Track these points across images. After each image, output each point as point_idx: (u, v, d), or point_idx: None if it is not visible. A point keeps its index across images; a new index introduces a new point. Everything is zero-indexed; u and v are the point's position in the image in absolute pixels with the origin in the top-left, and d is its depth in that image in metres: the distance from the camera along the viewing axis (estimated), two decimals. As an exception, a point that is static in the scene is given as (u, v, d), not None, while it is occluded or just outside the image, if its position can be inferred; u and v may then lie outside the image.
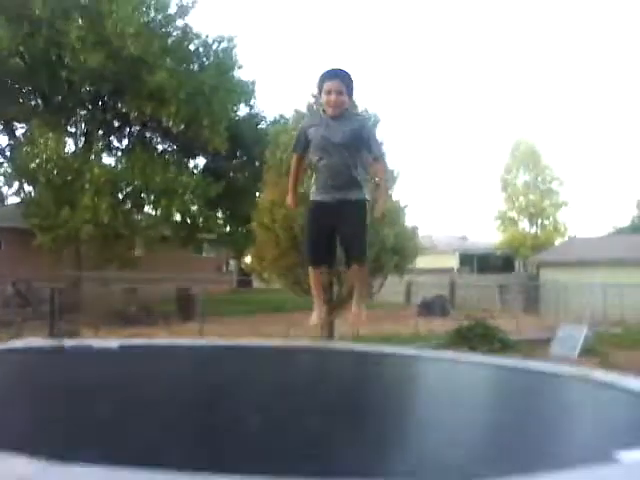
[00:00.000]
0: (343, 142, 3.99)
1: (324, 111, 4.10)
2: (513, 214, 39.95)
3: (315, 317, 4.32)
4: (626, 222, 48.08)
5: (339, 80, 4.02)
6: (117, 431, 3.08)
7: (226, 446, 3.07)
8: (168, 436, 3.17)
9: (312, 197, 4.19)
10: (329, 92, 3.99)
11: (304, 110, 15.60)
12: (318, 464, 2.63)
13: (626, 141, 79.63)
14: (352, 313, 4.25)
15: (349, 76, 4.13)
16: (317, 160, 4.12)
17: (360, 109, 16.16)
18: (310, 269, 4.32)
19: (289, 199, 4.51)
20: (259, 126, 25.86)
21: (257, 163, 23.55)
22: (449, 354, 6.55)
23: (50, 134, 19.23)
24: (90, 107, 22.39)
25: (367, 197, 4.12)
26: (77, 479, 2.05)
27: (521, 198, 39.26)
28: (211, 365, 5.93)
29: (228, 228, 25.97)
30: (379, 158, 4.25)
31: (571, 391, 4.93)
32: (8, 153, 22.54)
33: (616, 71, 70.46)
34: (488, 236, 41.81)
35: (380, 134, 15.67)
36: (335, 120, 4.03)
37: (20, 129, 22.57)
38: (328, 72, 4.06)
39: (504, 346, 13.24)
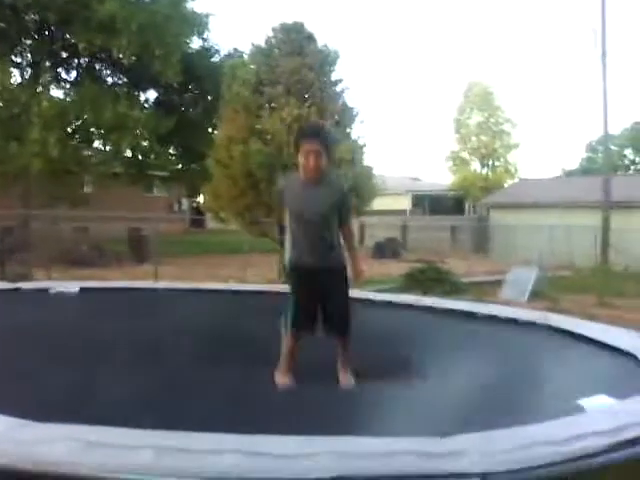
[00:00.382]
0: (323, 212, 3.88)
1: (301, 173, 3.91)
2: (465, 155, 40.32)
3: (280, 377, 4.03)
4: (575, 165, 49.08)
5: (318, 142, 3.83)
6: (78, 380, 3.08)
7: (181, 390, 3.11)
8: (127, 383, 3.19)
9: (292, 260, 4.04)
10: (307, 155, 3.79)
11: (262, 44, 15.21)
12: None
13: (577, 84, 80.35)
14: (340, 380, 4.01)
15: (329, 135, 4.02)
16: (294, 224, 3.97)
17: (319, 44, 15.80)
18: (289, 335, 4.06)
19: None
20: (212, 59, 25.12)
21: (210, 97, 23.08)
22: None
23: (-5, 64, 18.44)
24: (36, 37, 21.43)
25: (345, 264, 4.08)
26: (46, 437, 2.07)
27: (473, 139, 39.57)
28: (169, 309, 5.94)
29: (180, 165, 25.46)
30: (348, 223, 4.14)
31: (530, 338, 5.09)
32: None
33: (569, 11, 70.33)
34: (440, 177, 42.18)
35: (339, 72, 15.44)
36: (313, 185, 3.88)
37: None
38: (306, 131, 3.98)
39: (455, 289, 13.49)
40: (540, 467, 2.09)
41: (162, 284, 8.08)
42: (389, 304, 6.63)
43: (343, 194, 4.03)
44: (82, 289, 6.50)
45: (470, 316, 5.88)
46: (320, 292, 4.00)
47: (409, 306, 6.47)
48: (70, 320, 5.09)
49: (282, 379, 3.96)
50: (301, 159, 3.82)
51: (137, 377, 3.41)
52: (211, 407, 2.97)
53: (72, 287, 6.55)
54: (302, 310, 4.03)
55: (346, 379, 3.99)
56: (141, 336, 4.52)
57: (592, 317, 8.40)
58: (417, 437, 2.33)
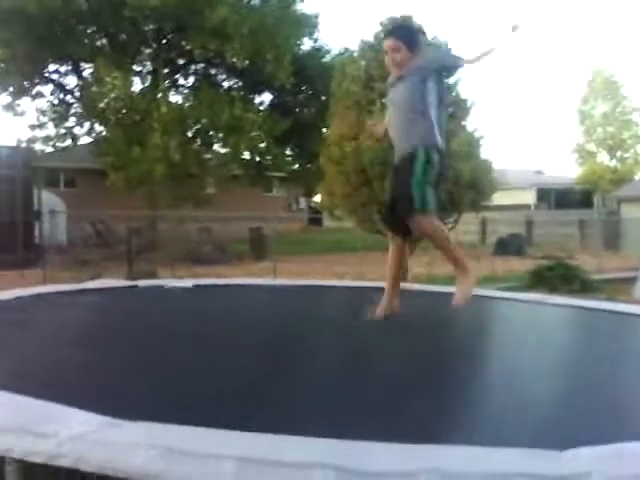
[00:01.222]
0: (402, 101, 3.88)
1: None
2: (591, 147, 38.54)
3: (379, 310, 3.97)
4: None
5: (392, 38, 3.96)
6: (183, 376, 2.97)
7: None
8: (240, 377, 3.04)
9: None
10: (385, 52, 3.97)
11: (371, 40, 15.03)
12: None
13: None
14: (456, 293, 3.81)
15: (407, 28, 4.16)
16: (388, 119, 4.08)
17: (430, 36, 15.43)
18: (389, 240, 4.06)
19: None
20: (324, 60, 25.27)
21: (323, 98, 23.17)
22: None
23: (116, 73, 19.27)
24: (154, 45, 22.32)
25: (420, 149, 3.79)
26: (137, 437, 1.90)
27: (599, 130, 37.78)
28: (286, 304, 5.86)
29: (297, 165, 25.79)
30: (462, 62, 3.96)
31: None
32: (77, 94, 22.81)
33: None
34: (565, 170, 40.47)
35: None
36: (399, 79, 3.92)
37: (87, 70, 22.69)
38: (386, 30, 4.05)
39: (585, 287, 12.74)
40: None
41: (273, 281, 8.03)
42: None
43: (427, 64, 3.88)
44: (196, 285, 6.54)
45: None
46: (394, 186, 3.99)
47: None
48: (180, 314, 5.08)
49: (379, 309, 3.97)
50: (385, 58, 4.02)
51: (235, 368, 3.24)
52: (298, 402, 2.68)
53: (186, 283, 6.64)
54: (387, 206, 4.06)
55: (462, 295, 3.80)
56: (246, 332, 4.38)
57: None
58: (531, 449, 1.91)
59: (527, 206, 34.61)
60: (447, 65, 4.17)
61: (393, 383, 2.89)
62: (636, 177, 34.85)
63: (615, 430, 2.19)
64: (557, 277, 13.13)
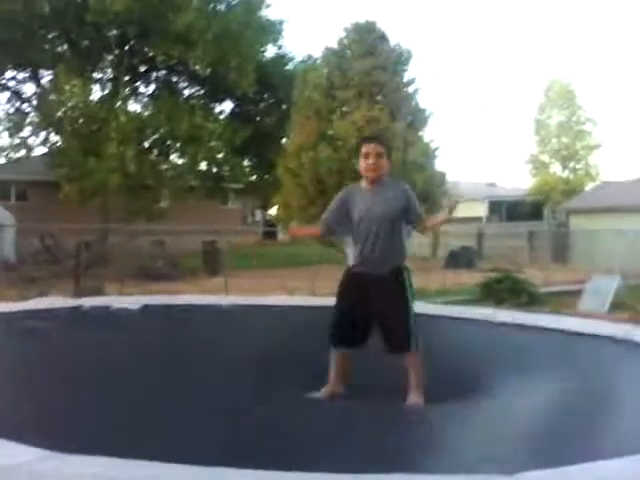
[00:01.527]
0: (386, 214, 3.86)
1: (363, 181, 3.99)
2: (545, 157, 39.02)
3: (324, 392, 3.96)
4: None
5: (377, 142, 3.95)
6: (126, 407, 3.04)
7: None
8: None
9: (350, 265, 4.02)
10: (367, 156, 3.88)
11: (335, 46, 15.10)
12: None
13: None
14: (409, 401, 3.84)
15: (387, 139, 4.25)
16: (356, 229, 3.94)
17: (392, 43, 15.44)
18: (331, 349, 4.00)
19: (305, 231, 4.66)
20: (287, 67, 25.18)
21: (284, 106, 23.15)
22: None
23: (76, 80, 19.08)
24: (117, 52, 22.12)
25: (408, 267, 3.98)
26: (74, 469, 1.99)
27: (554, 140, 38.33)
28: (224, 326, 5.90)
29: (254, 177, 25.70)
30: (418, 221, 4.05)
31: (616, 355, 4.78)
32: (35, 102, 22.51)
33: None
34: (518, 182, 40.87)
35: (411, 72, 15.09)
36: (376, 189, 3.91)
37: (47, 77, 22.45)
38: (365, 137, 4.12)
39: (533, 300, 13.05)
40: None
41: (228, 299, 8.11)
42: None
43: (406, 194, 3.97)
44: (144, 306, 6.55)
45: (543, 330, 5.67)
46: (375, 303, 3.86)
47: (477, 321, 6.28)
48: (125, 339, 5.10)
49: (326, 389, 3.93)
50: (361, 162, 3.92)
51: (180, 402, 3.35)
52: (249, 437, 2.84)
53: (134, 304, 6.64)
54: (342, 320, 3.96)
55: (412, 398, 3.82)
56: (194, 356, 4.48)
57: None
58: (482, 475, 2.12)
59: (479, 219, 34.90)
60: (411, 218, 4.00)
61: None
62: (586, 188, 35.43)
63: (560, 454, 2.40)
64: (505, 290, 13.39)
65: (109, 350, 4.58)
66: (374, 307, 3.87)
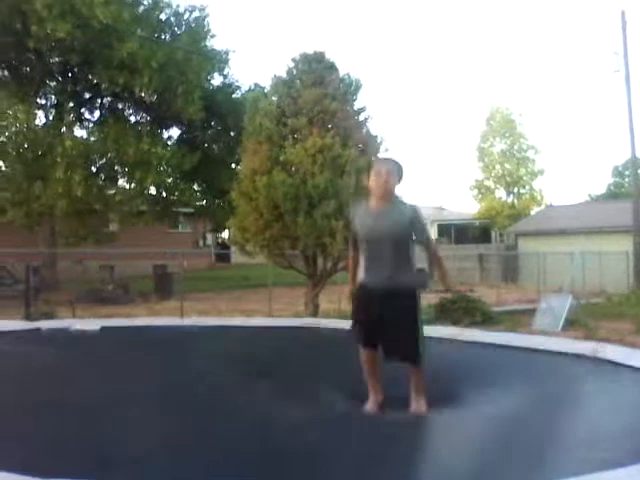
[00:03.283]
0: (391, 232, 3.92)
1: (371, 199, 4.04)
2: (490, 183, 40.02)
3: (370, 404, 4.09)
4: (602, 190, 48.44)
5: (390, 164, 4.04)
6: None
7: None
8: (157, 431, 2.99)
9: (361, 280, 4.08)
10: (379, 174, 3.95)
11: (284, 75, 15.16)
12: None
13: (601, 107, 79.90)
14: (413, 407, 4.01)
15: (399, 165, 4.07)
16: (366, 247, 4.02)
17: (342, 73, 15.68)
18: (360, 348, 4.13)
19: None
20: (234, 95, 25.34)
21: (232, 133, 23.22)
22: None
23: (19, 106, 18.68)
24: (60, 78, 21.79)
25: (416, 285, 4.05)
26: None
27: (497, 167, 39.32)
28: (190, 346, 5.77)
29: (204, 201, 25.55)
30: (427, 243, 4.16)
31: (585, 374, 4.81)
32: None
33: (589, 39, 70.36)
34: (465, 206, 41.74)
35: (362, 100, 15.28)
36: (383, 207, 3.97)
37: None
38: (379, 159, 4.19)
39: (487, 319, 13.15)
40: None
41: (185, 321, 7.93)
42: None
43: (414, 212, 4.02)
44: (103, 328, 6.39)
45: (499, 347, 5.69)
46: (384, 315, 3.93)
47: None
48: (83, 361, 4.91)
49: (370, 405, 4.04)
50: (373, 180, 3.96)
51: (151, 423, 3.20)
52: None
53: (93, 325, 6.47)
54: (362, 326, 4.06)
55: (417, 405, 3.96)
56: (157, 377, 4.31)
57: (633, 345, 8.07)
58: None
59: (429, 241, 35.27)
60: (418, 233, 4.10)
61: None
62: (532, 212, 36.30)
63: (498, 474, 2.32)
64: (460, 310, 13.50)
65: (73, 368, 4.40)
66: (385, 318, 3.94)
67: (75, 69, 21.49)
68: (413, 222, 3.96)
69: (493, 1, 77.11)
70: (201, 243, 34.53)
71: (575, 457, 2.66)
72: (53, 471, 2.00)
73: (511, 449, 2.98)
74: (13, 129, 18.89)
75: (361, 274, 4.06)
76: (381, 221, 3.93)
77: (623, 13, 20.94)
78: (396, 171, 4.00)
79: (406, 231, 3.94)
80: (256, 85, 24.38)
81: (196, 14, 22.61)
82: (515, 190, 39.56)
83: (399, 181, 4.02)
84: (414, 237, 3.99)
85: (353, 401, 4.03)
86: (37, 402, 3.61)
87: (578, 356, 5.38)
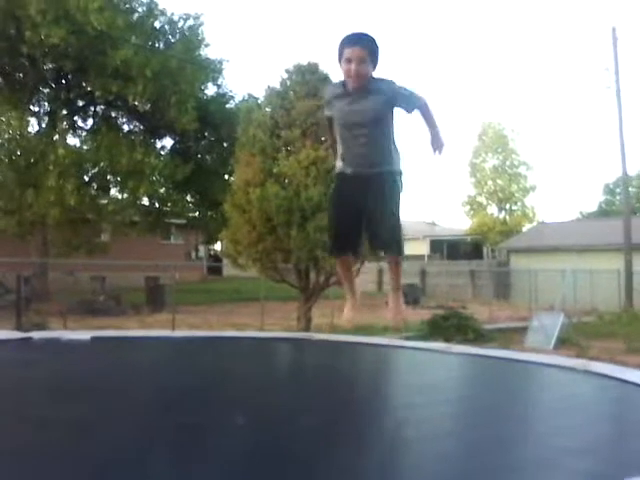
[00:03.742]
0: (371, 119, 3.59)
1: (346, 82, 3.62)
2: (482, 199, 40.10)
3: (346, 313, 3.94)
4: (593, 207, 48.61)
5: (360, 46, 3.54)
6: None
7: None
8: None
9: (337, 170, 3.79)
10: (349, 61, 3.51)
11: (277, 86, 15.15)
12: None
13: (593, 126, 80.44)
14: (390, 309, 3.82)
15: (373, 41, 3.61)
16: (341, 134, 3.71)
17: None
18: (336, 259, 3.98)
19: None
20: (227, 106, 25.22)
21: (225, 144, 23.10)
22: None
23: (12, 113, 18.58)
24: (53, 85, 21.71)
25: (400, 170, 3.72)
26: None
27: (489, 183, 39.41)
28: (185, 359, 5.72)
29: (197, 212, 25.40)
30: (421, 106, 3.66)
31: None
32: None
33: (582, 57, 70.88)
34: (457, 222, 41.78)
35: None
36: (359, 93, 3.58)
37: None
38: (348, 37, 3.57)
39: (479, 337, 13.15)
40: None
41: (177, 333, 7.87)
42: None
43: (392, 86, 3.62)
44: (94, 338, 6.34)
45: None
46: (363, 204, 3.62)
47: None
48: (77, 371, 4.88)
49: (346, 314, 3.91)
50: (343, 66, 3.56)
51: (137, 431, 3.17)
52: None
53: (84, 336, 6.42)
54: (337, 227, 3.77)
55: (396, 314, 3.80)
56: (149, 385, 4.27)
57: (624, 364, 8.10)
58: None
59: (421, 256, 35.51)
60: (409, 106, 3.66)
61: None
62: (524, 229, 36.43)
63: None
64: (452, 327, 13.49)
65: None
66: (365, 205, 3.63)
67: (69, 76, 21.44)
68: (395, 97, 3.60)
69: (486, 16, 77.56)
70: (193, 255, 34.33)
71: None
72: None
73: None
74: (6, 136, 18.78)
75: (339, 163, 3.78)
76: (356, 106, 3.60)
77: (614, 29, 21.09)
78: (370, 53, 3.56)
79: (384, 112, 3.62)
80: (250, 96, 24.13)
81: (190, 22, 22.57)
82: (507, 206, 39.67)
83: (374, 65, 3.60)
84: (406, 110, 3.63)
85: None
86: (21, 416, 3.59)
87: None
